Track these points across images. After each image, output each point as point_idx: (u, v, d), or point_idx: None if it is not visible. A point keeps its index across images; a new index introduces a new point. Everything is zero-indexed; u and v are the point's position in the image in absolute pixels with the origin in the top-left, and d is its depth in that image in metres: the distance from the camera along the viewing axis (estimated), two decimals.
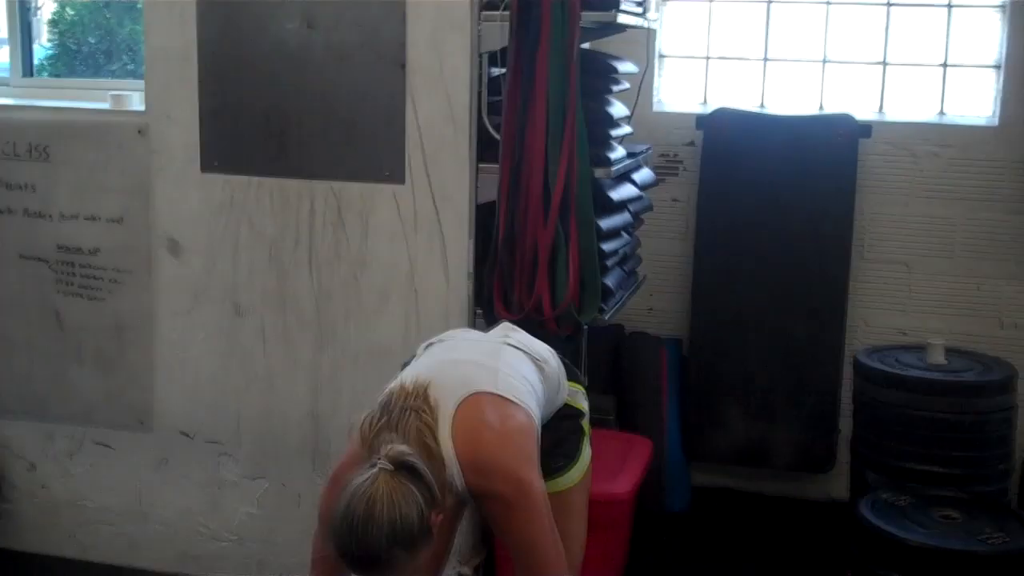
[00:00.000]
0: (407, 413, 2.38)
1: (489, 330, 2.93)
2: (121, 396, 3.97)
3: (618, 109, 3.87)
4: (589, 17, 3.56)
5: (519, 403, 2.53)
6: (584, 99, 3.45)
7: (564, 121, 3.36)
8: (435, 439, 2.37)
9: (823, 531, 4.57)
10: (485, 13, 3.50)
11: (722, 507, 4.82)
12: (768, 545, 4.48)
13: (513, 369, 2.62)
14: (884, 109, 4.74)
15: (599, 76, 3.75)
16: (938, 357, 4.23)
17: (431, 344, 2.80)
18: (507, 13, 3.40)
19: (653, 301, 4.91)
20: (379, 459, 2.27)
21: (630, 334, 4.86)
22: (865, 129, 4.57)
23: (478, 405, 2.46)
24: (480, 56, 3.52)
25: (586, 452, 2.85)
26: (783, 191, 4.60)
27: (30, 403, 4.09)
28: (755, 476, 4.86)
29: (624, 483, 3.81)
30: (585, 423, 2.89)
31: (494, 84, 3.62)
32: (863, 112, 4.67)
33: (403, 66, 3.50)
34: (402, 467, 2.26)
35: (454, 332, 2.94)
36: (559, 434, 2.77)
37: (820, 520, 4.68)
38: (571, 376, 2.91)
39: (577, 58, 3.39)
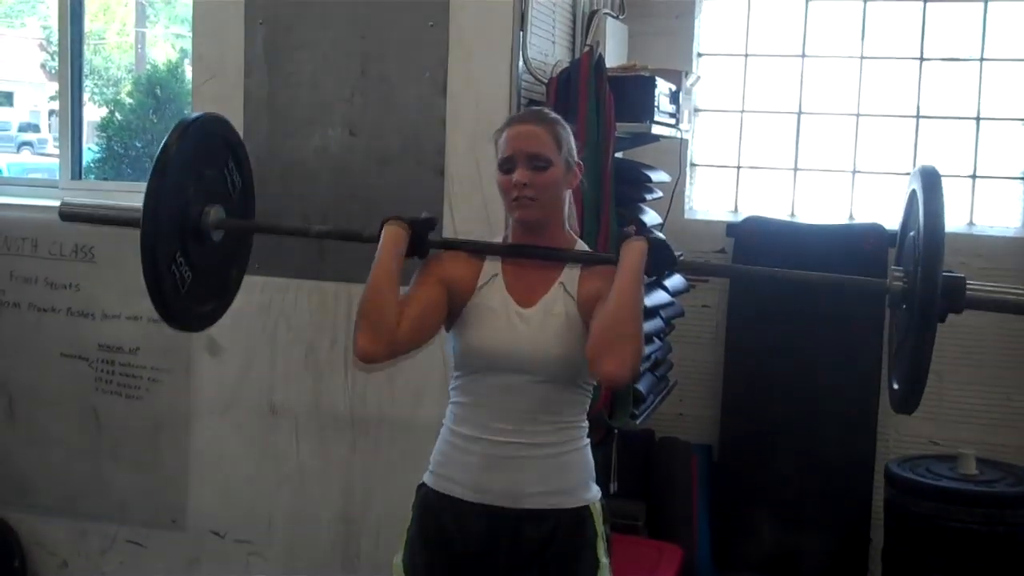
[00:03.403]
0: None
1: None
2: (155, 494, 4.00)
3: (651, 216, 3.94)
4: (624, 128, 3.65)
5: None
6: (618, 207, 3.51)
7: (598, 230, 3.42)
8: None
9: None
10: None
11: None
12: None
13: None
14: None
15: (633, 185, 3.83)
16: (969, 467, 4.22)
17: None
18: None
19: (684, 407, 4.91)
20: None
21: (660, 440, 4.86)
22: (895, 239, 4.59)
23: None
24: None
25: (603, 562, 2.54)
26: (813, 299, 4.62)
27: (65, 500, 4.12)
28: None
29: None
30: (600, 539, 2.55)
31: None
32: (893, 222, 4.71)
33: (442, 172, 3.57)
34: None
35: None
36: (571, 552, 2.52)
37: None
38: None
39: (612, 167, 3.47)
